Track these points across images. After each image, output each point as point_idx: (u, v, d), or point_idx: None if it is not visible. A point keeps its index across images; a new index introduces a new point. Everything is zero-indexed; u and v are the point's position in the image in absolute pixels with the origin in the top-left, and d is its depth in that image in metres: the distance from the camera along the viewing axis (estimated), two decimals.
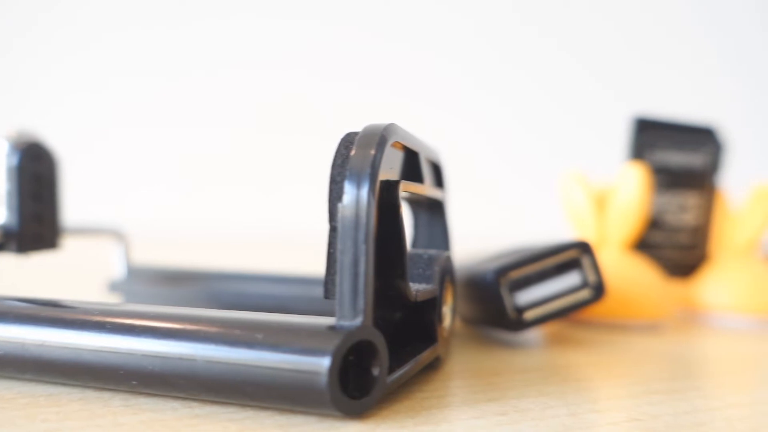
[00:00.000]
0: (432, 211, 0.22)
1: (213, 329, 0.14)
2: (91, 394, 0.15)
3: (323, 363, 0.13)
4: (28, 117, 0.73)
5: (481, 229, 0.65)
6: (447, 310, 0.19)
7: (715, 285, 0.29)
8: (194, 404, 0.14)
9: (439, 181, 0.23)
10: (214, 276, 0.26)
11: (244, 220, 0.77)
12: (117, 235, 0.27)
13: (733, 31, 0.91)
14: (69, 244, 0.24)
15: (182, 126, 0.79)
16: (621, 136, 0.29)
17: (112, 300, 0.27)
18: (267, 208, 0.77)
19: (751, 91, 0.90)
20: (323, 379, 0.13)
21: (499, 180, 0.83)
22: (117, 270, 0.27)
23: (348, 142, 0.15)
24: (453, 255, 0.22)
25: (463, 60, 0.85)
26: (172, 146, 0.79)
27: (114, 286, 0.27)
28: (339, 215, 0.14)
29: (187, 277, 0.26)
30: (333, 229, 0.15)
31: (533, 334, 0.24)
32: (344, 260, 0.14)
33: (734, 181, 0.32)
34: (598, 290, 0.21)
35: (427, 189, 0.19)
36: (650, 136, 0.29)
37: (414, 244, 0.22)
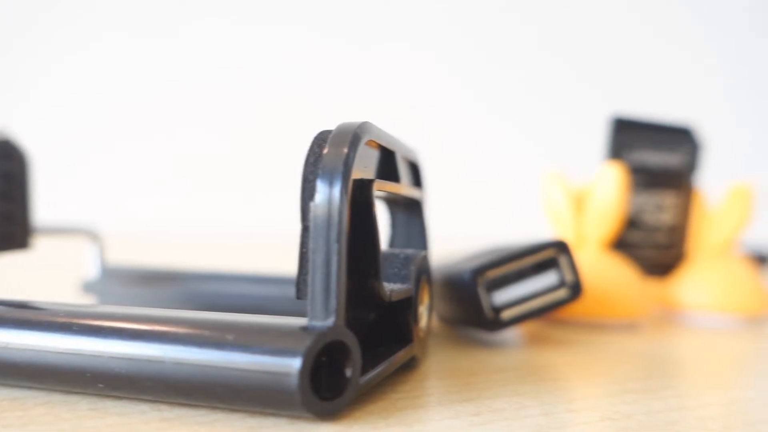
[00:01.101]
0: (409, 210, 0.22)
1: (181, 330, 0.14)
2: (57, 398, 0.15)
3: (294, 364, 0.13)
4: (12, 117, 0.72)
5: (464, 229, 0.65)
6: (423, 310, 0.19)
7: (692, 284, 0.29)
8: (163, 407, 0.14)
9: (417, 180, 0.22)
10: (190, 276, 0.26)
11: (224, 219, 0.76)
12: (91, 234, 0.27)
13: (712, 33, 0.92)
14: (43, 245, 0.24)
15: (167, 127, 0.79)
16: (604, 136, 0.29)
17: (86, 301, 0.26)
18: (248, 208, 0.77)
19: (728, 92, 0.91)
20: (294, 381, 0.13)
21: (483, 179, 0.83)
22: (91, 270, 0.27)
23: (321, 140, 0.15)
24: (431, 255, 0.22)
25: (448, 59, 0.85)
26: (156, 147, 0.79)
27: (88, 287, 0.26)
28: (311, 214, 0.14)
29: (163, 277, 0.26)
30: (305, 229, 0.15)
31: (511, 334, 0.24)
32: (316, 260, 0.14)
33: (711, 181, 0.33)
34: (575, 290, 0.22)
35: (403, 188, 0.19)
36: (628, 135, 0.29)
37: (391, 244, 0.22)
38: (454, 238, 0.47)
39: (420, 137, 0.31)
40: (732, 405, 0.16)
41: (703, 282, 0.29)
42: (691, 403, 0.16)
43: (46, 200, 0.36)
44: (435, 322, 0.25)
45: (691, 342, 0.25)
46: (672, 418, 0.15)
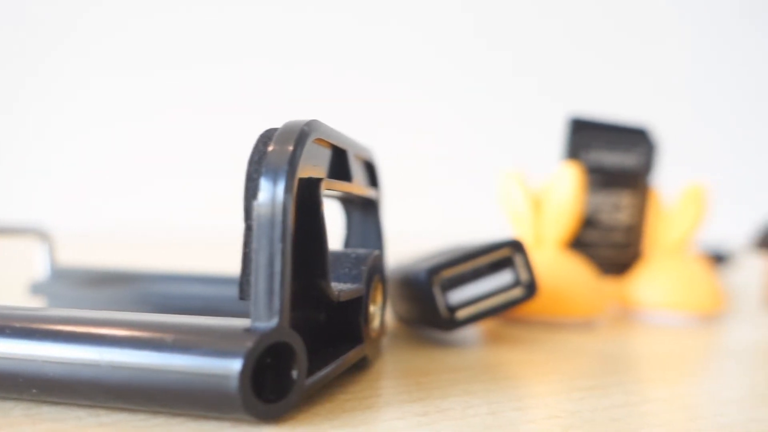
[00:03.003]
0: (365, 210, 0.22)
1: (118, 332, 0.13)
2: None
3: (234, 366, 0.13)
4: None
5: (423, 229, 0.65)
6: (376, 310, 0.19)
7: (648, 283, 0.30)
8: (101, 412, 0.14)
9: (373, 180, 0.22)
10: (143, 277, 0.25)
11: (179, 218, 0.75)
12: (40, 234, 0.26)
13: (667, 35, 0.94)
14: None
15: (117, 124, 0.77)
16: (561, 136, 0.30)
17: (34, 303, 0.25)
18: (202, 207, 0.75)
19: (683, 93, 0.93)
20: (234, 383, 0.12)
21: (442, 179, 0.83)
22: (40, 271, 0.26)
23: (266, 138, 0.15)
24: (386, 255, 0.22)
25: (402, 60, 0.85)
26: (106, 145, 0.77)
27: (36, 288, 0.26)
28: (254, 213, 0.14)
29: (114, 278, 0.25)
30: (248, 228, 0.14)
31: (469, 333, 0.24)
32: (259, 260, 0.13)
33: (666, 181, 0.33)
34: (530, 288, 0.22)
35: (356, 188, 0.19)
36: (585, 136, 0.29)
37: (346, 244, 0.22)
38: (412, 237, 0.47)
39: (379, 138, 0.31)
40: (676, 401, 0.16)
41: (658, 281, 0.30)
42: (635, 400, 0.16)
43: None
44: (393, 322, 0.25)
45: (645, 340, 0.25)
46: (616, 414, 0.15)
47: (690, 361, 0.22)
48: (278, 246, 0.13)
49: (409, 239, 0.44)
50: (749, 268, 0.50)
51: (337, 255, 0.18)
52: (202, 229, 0.71)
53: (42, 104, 0.76)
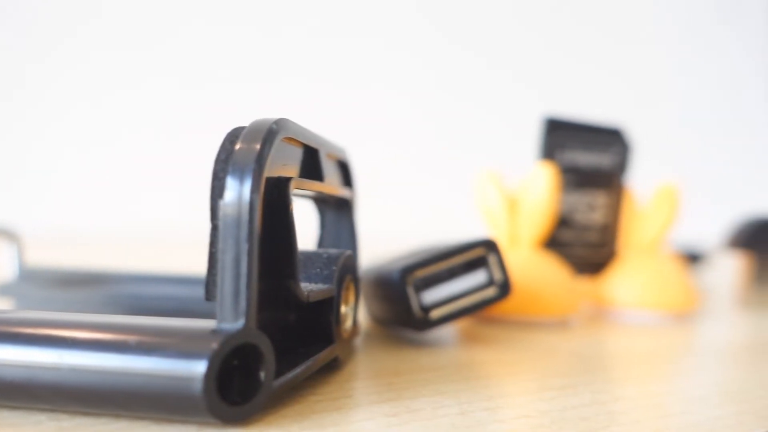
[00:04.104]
0: (339, 210, 0.22)
1: (79, 334, 0.13)
2: None
3: (198, 368, 0.12)
4: None
5: (399, 229, 0.65)
6: (347, 311, 0.19)
7: (622, 282, 0.30)
8: (62, 417, 0.13)
9: (347, 180, 0.22)
10: (114, 278, 0.25)
11: (149, 218, 0.74)
12: (8, 234, 0.25)
13: (641, 35, 0.95)
14: None
15: (85, 124, 0.76)
16: (537, 136, 0.30)
17: (1, 304, 0.25)
18: (174, 207, 0.74)
19: (656, 93, 0.94)
20: (198, 385, 0.12)
21: (417, 180, 0.83)
22: (8, 272, 0.25)
23: (233, 136, 0.15)
24: (360, 255, 0.21)
25: (376, 60, 0.85)
26: (77, 144, 0.76)
27: (4, 290, 0.25)
28: (220, 213, 0.13)
29: (85, 279, 0.25)
30: (214, 228, 0.14)
31: (443, 333, 0.24)
32: (225, 260, 0.13)
33: (641, 181, 0.33)
34: (504, 288, 0.22)
35: (328, 187, 0.19)
36: (560, 136, 0.29)
37: (320, 244, 0.22)
38: (388, 238, 0.47)
39: (353, 138, 0.31)
40: (645, 399, 0.16)
41: (632, 280, 0.30)
42: (605, 398, 0.16)
43: None
44: (367, 322, 0.25)
45: (618, 339, 0.26)
46: (585, 413, 0.15)
47: (662, 359, 0.22)
48: (244, 246, 0.13)
49: (384, 239, 0.44)
50: (723, 267, 0.50)
51: (309, 255, 0.18)
52: (177, 229, 0.71)
53: (9, 103, 0.75)
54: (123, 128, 0.77)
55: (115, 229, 0.72)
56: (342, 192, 0.20)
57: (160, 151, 0.77)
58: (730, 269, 0.44)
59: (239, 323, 0.13)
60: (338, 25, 0.84)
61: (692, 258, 0.45)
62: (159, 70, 0.78)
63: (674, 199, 0.31)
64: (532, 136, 0.31)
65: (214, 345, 0.13)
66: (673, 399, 0.17)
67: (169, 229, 0.71)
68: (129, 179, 0.76)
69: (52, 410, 0.14)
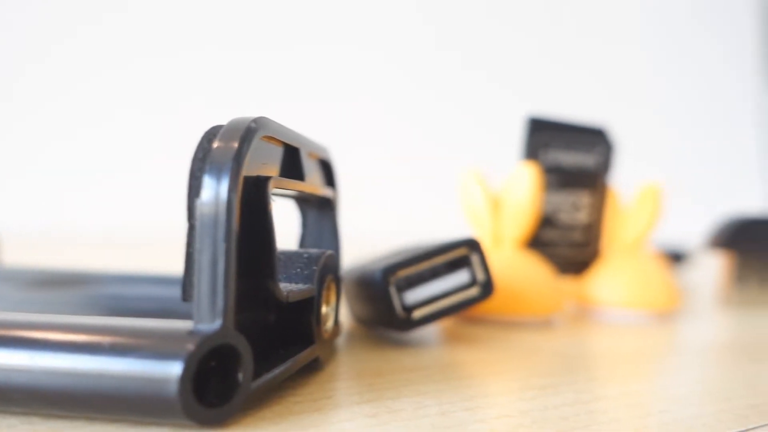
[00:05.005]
0: (321, 210, 0.21)
1: (52, 335, 0.13)
2: None
3: (174, 370, 0.12)
4: None
5: (383, 229, 0.65)
6: (329, 311, 0.18)
7: (605, 281, 0.30)
8: (35, 420, 0.13)
9: (329, 179, 0.22)
10: (93, 278, 0.24)
11: (129, 218, 0.73)
12: None
13: (623, 35, 0.96)
14: None
15: (60, 123, 0.75)
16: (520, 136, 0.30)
17: None
18: (155, 207, 0.74)
19: (639, 93, 0.95)
20: (174, 387, 0.12)
21: (401, 180, 0.83)
22: None
23: (211, 135, 0.14)
24: (342, 254, 0.21)
25: (358, 61, 0.84)
26: (53, 143, 0.75)
27: None
28: (197, 212, 0.13)
29: (63, 279, 0.24)
30: (191, 227, 0.14)
31: (426, 333, 0.24)
32: (202, 260, 0.13)
33: (624, 181, 0.34)
34: (487, 288, 0.22)
35: (309, 187, 0.19)
36: (543, 136, 0.29)
37: (302, 244, 0.21)
38: (372, 238, 0.47)
39: (337, 138, 0.31)
40: (625, 398, 0.16)
41: (614, 279, 0.30)
42: (586, 398, 0.16)
43: None
44: (350, 322, 0.25)
45: (601, 338, 0.26)
46: (565, 413, 0.15)
47: (644, 358, 0.22)
48: (222, 246, 0.13)
49: (368, 239, 0.44)
50: (705, 266, 0.51)
51: (289, 255, 0.17)
52: (157, 229, 0.70)
53: None
54: (97, 128, 0.76)
55: (95, 228, 0.71)
56: (324, 191, 0.20)
57: (137, 150, 0.76)
58: (712, 269, 0.44)
59: (216, 324, 0.13)
60: (322, 27, 0.83)
61: (675, 257, 0.45)
62: (133, 68, 0.77)
63: (657, 198, 0.31)
64: (516, 137, 0.31)
65: (190, 346, 0.12)
66: (654, 398, 0.17)
67: (148, 228, 0.70)
68: (106, 179, 0.75)
69: (25, 413, 0.13)
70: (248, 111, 0.17)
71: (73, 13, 0.75)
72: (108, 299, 0.24)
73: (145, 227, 0.70)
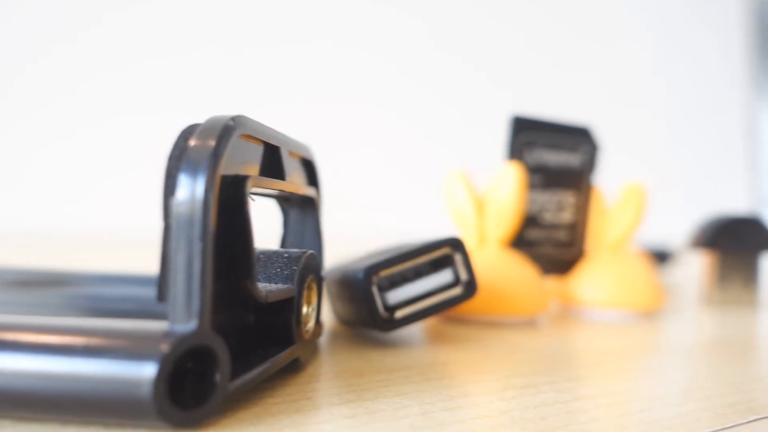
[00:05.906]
0: (303, 209, 0.21)
1: (23, 337, 0.12)
2: None
3: (148, 371, 0.12)
4: None
5: (368, 229, 0.65)
6: (309, 311, 0.18)
7: (589, 281, 0.30)
8: (5, 423, 0.13)
9: (312, 178, 0.22)
10: (72, 278, 0.24)
11: (107, 217, 0.72)
12: None
13: (611, 35, 0.96)
14: None
15: (43, 122, 0.74)
16: (505, 135, 0.30)
17: None
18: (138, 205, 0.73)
19: (625, 93, 0.96)
20: (148, 389, 0.12)
21: (386, 179, 0.83)
22: None
23: (188, 133, 0.14)
24: (324, 254, 0.21)
25: (343, 60, 0.84)
26: (36, 140, 0.74)
27: None
28: (173, 211, 0.13)
29: (41, 280, 0.24)
30: (167, 227, 0.14)
31: (409, 333, 0.24)
32: (177, 260, 0.13)
33: (609, 180, 0.34)
34: (470, 287, 0.22)
35: (290, 186, 0.18)
36: (528, 135, 0.29)
37: (283, 244, 0.21)
38: (355, 238, 0.47)
39: (321, 137, 0.31)
40: (606, 398, 0.16)
41: (598, 278, 0.30)
42: (566, 397, 0.16)
43: None
44: (333, 323, 0.25)
45: (584, 337, 0.26)
46: (545, 412, 0.15)
47: (627, 358, 0.22)
48: (198, 246, 0.13)
49: (352, 240, 0.44)
50: (689, 265, 0.51)
51: (269, 255, 0.17)
52: (137, 228, 0.69)
53: None
54: (78, 128, 0.75)
55: (72, 228, 0.70)
56: (305, 191, 0.20)
57: (115, 150, 0.75)
58: (696, 268, 0.44)
59: (192, 325, 0.13)
60: (310, 26, 0.83)
61: (659, 257, 0.45)
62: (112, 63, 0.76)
63: (641, 198, 0.31)
64: (501, 136, 0.31)
65: (165, 347, 0.12)
66: (635, 397, 0.17)
67: (127, 228, 0.70)
68: (87, 178, 0.75)
69: None
70: (230, 108, 0.17)
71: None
72: (86, 300, 0.23)
73: (145, 227, 0.70)
